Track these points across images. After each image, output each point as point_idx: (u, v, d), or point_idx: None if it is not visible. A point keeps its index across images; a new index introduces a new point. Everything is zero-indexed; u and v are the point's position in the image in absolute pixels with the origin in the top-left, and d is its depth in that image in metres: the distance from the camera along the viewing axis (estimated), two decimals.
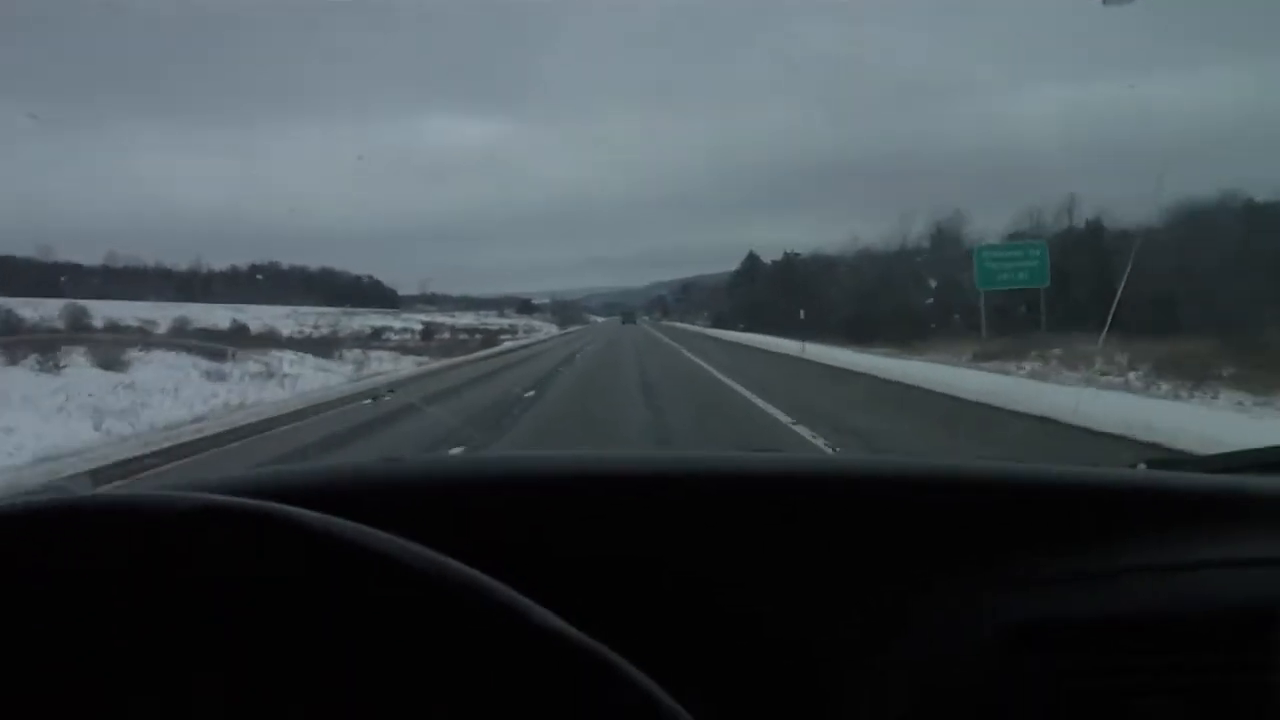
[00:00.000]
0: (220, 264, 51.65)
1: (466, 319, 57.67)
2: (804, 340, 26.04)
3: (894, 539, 0.89)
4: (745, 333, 40.64)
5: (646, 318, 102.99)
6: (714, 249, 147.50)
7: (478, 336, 39.79)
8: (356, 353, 24.50)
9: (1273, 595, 0.85)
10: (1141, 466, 1.20)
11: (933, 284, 31.84)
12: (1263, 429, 8.99)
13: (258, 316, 45.33)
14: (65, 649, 0.49)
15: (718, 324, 60.10)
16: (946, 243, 34.20)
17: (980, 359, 20.26)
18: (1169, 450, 6.90)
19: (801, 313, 30.50)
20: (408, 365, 22.13)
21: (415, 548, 0.51)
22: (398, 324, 46.23)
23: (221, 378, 18.77)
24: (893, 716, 0.81)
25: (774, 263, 58.48)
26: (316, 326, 42.95)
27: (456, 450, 7.52)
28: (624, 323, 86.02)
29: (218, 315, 40.93)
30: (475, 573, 0.51)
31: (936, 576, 0.86)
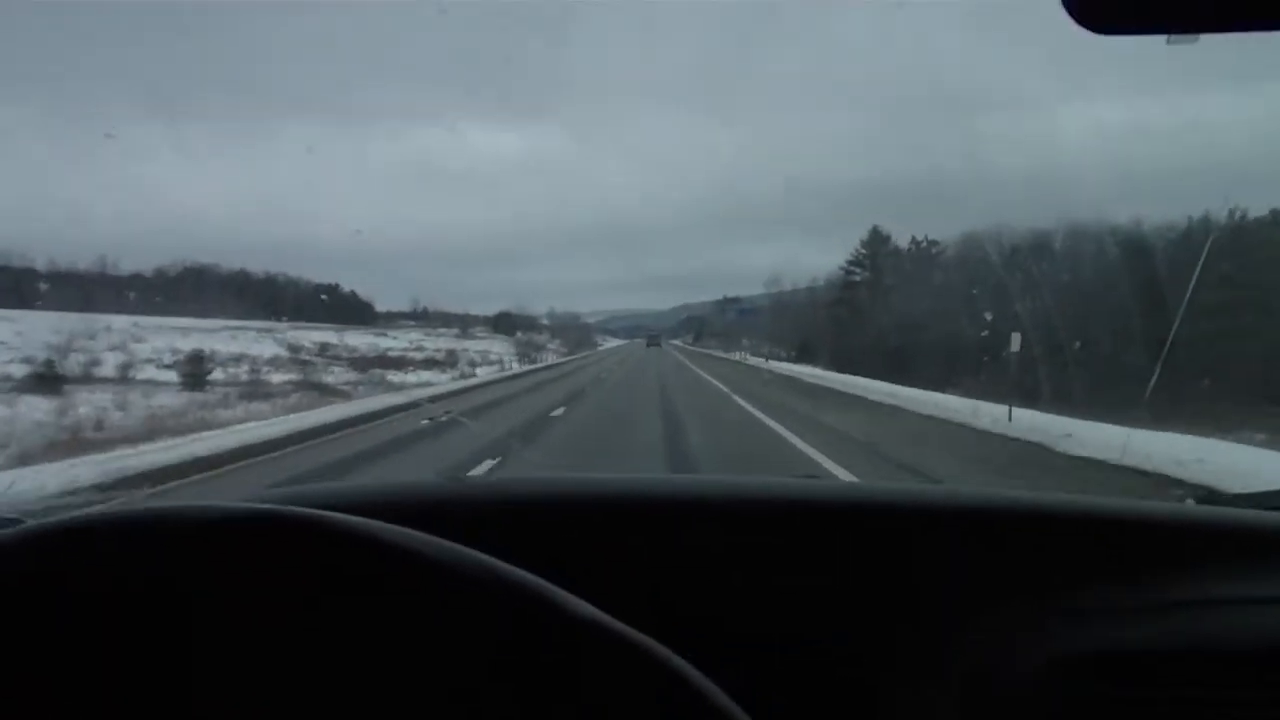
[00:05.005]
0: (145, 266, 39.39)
1: (402, 341, 38.12)
2: None
3: (946, 567, 0.89)
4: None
5: (677, 341, 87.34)
6: (740, 273, 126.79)
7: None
8: None
9: None
10: (1190, 502, 1.21)
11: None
12: None
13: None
14: (119, 656, 0.50)
15: (802, 357, 36.77)
16: None
17: None
18: None
19: None
20: None
21: (470, 552, 0.52)
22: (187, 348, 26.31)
23: None
24: None
25: (910, 248, 35.63)
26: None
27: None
28: (649, 346, 73.94)
29: None
30: (528, 575, 0.51)
31: (987, 606, 0.87)
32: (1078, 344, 19.86)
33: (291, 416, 14.54)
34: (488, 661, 0.49)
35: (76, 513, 0.54)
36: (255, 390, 18.77)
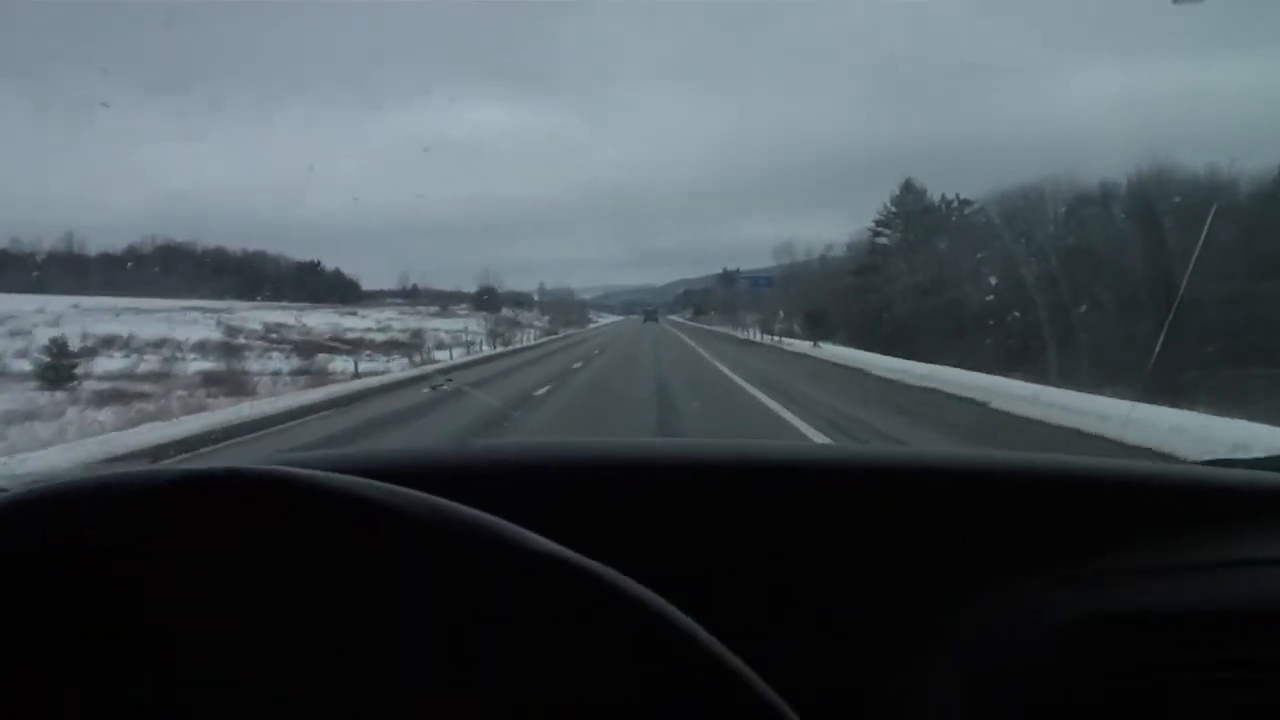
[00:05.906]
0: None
1: (368, 320, 34.27)
2: None
3: (950, 531, 0.87)
4: None
5: (675, 317, 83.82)
6: (738, 247, 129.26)
7: None
8: None
9: None
10: (1199, 463, 1.20)
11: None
12: None
13: None
14: (114, 617, 0.50)
15: (825, 334, 31.11)
16: None
17: None
18: None
19: None
20: None
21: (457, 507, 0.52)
22: None
23: None
24: (947, 709, 0.80)
25: (939, 207, 30.79)
26: None
27: None
28: (645, 321, 72.69)
29: None
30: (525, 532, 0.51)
31: (993, 570, 0.86)
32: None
33: (125, 433, 10.69)
34: (452, 601, 0.49)
35: (40, 483, 0.54)
36: (127, 388, 14.93)
